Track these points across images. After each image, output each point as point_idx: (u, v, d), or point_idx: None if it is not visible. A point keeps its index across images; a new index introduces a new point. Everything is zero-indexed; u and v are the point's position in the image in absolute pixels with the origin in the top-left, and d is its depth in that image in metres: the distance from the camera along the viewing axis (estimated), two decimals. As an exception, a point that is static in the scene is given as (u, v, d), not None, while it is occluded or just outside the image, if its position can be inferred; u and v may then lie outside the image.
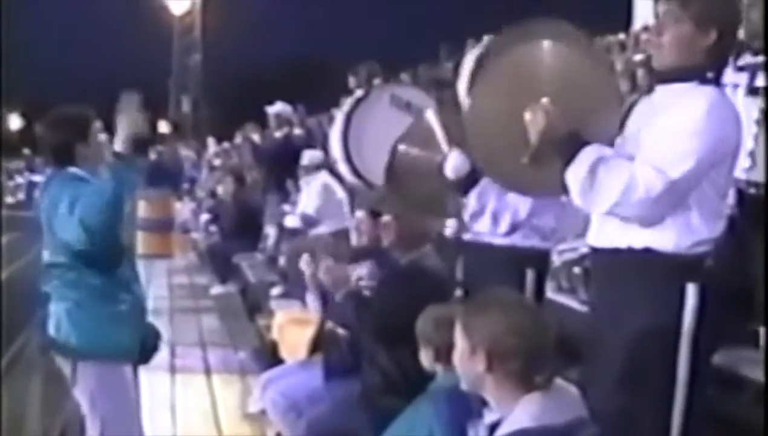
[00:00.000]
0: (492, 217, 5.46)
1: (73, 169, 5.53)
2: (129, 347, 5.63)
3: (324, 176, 12.08)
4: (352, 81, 11.83)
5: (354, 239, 7.61)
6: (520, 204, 5.43)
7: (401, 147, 5.82)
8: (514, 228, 5.48)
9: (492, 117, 4.36)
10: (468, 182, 5.37)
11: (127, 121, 5.35)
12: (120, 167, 5.25)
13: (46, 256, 5.60)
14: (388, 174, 5.89)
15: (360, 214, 7.23)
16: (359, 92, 8.35)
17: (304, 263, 6.66)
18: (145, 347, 5.80)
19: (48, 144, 5.66)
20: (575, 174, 4.07)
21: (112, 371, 5.57)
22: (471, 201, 5.41)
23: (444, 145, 5.47)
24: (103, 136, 5.65)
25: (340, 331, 6.49)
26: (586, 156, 4.05)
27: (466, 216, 5.49)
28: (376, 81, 9.48)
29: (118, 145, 5.31)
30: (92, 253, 5.36)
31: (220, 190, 18.30)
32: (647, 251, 4.08)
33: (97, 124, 5.63)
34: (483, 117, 4.41)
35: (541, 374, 3.67)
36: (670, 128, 4.00)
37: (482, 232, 5.56)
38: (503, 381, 3.69)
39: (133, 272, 5.79)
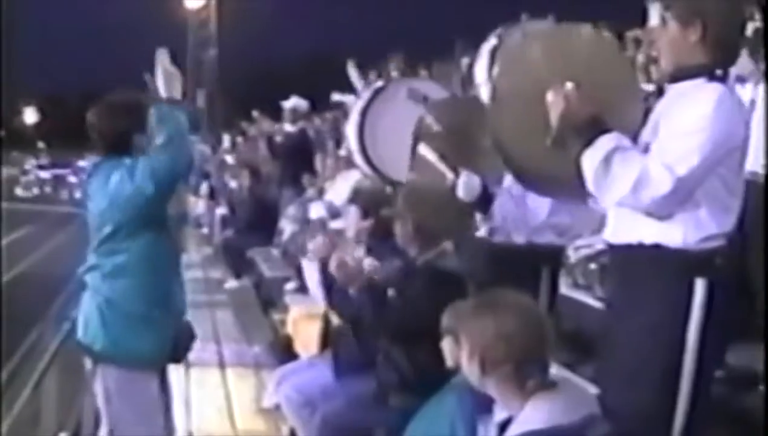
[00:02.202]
0: (513, 226, 5.44)
1: (126, 161, 5.32)
2: (154, 355, 5.50)
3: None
4: (353, 74, 11.78)
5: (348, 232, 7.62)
6: (540, 208, 5.40)
7: (410, 176, 5.81)
8: (534, 231, 5.46)
9: (517, 101, 4.36)
10: (483, 200, 5.33)
11: (166, 73, 5.29)
12: (175, 111, 5.18)
13: (92, 245, 5.46)
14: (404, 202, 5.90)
15: (352, 208, 7.23)
16: (378, 83, 8.35)
17: (313, 246, 6.61)
18: (177, 348, 5.67)
19: (102, 134, 5.48)
20: (591, 159, 4.07)
21: (134, 376, 5.46)
22: (493, 217, 5.38)
23: (447, 172, 5.43)
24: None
25: (345, 326, 6.46)
26: (604, 143, 4.05)
27: (485, 231, 5.46)
28: (372, 77, 9.43)
29: (165, 93, 5.23)
30: (140, 227, 5.28)
31: (233, 184, 18.32)
32: (657, 246, 4.10)
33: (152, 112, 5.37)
34: (508, 101, 4.40)
35: (534, 378, 3.67)
36: (678, 125, 4.03)
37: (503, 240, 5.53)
38: (502, 384, 3.71)
39: (176, 278, 5.71)
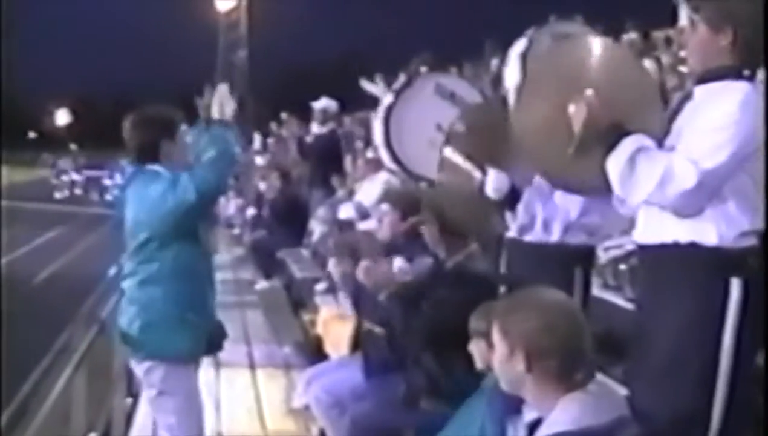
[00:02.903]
0: (543, 225, 5.41)
1: (153, 167, 5.65)
2: (192, 351, 5.80)
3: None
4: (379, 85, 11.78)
5: (379, 232, 7.58)
6: (570, 206, 5.37)
7: (439, 175, 5.83)
8: (565, 231, 5.43)
9: (539, 112, 4.42)
10: (511, 199, 5.32)
11: (223, 99, 5.66)
12: (227, 132, 5.54)
13: (127, 251, 5.77)
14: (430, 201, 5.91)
15: (384, 207, 7.21)
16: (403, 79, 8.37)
17: (332, 265, 6.66)
18: (211, 343, 5.97)
19: (134, 143, 5.77)
20: (615, 162, 4.13)
21: (177, 370, 5.73)
22: (519, 215, 5.36)
23: (475, 172, 5.42)
24: (190, 139, 5.80)
25: (377, 329, 6.46)
26: (627, 145, 4.11)
27: (515, 230, 5.43)
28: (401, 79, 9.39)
29: (218, 114, 5.62)
30: (174, 238, 5.56)
31: (263, 186, 18.32)
32: (692, 245, 4.11)
33: (185, 127, 5.79)
34: (530, 112, 4.47)
35: (580, 372, 3.64)
36: (705, 123, 4.06)
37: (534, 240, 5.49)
38: (543, 380, 3.65)
39: (209, 283, 5.92)
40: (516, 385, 3.73)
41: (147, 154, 5.69)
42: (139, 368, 5.85)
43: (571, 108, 4.25)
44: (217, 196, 5.63)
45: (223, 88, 5.71)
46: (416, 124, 7.11)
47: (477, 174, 5.37)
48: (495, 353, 3.77)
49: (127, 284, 5.77)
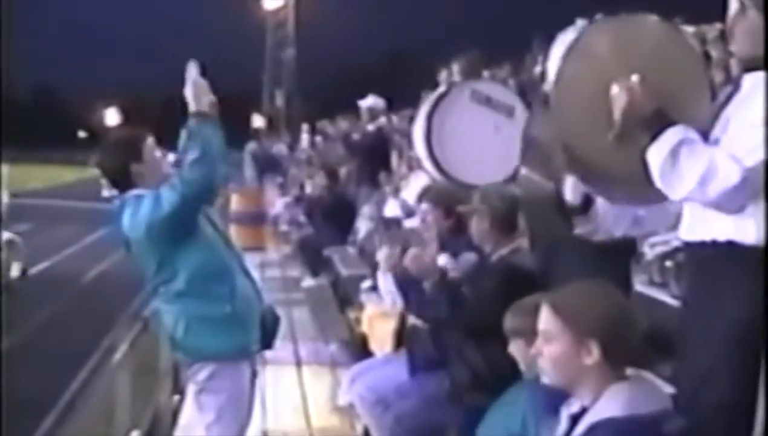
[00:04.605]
0: (614, 220, 5.38)
1: (136, 192, 5.56)
2: (242, 346, 5.72)
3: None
4: (443, 75, 11.77)
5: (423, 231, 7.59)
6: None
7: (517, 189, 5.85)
8: (633, 225, 5.41)
9: (580, 95, 4.30)
10: (585, 202, 5.27)
11: (194, 86, 5.43)
12: (204, 127, 5.36)
13: (146, 274, 5.71)
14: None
15: (425, 206, 7.22)
16: (442, 88, 8.42)
17: (382, 256, 6.65)
18: (265, 332, 5.89)
19: (106, 173, 5.74)
20: (657, 153, 4.02)
21: (224, 369, 5.67)
22: (596, 216, 5.32)
23: (548, 183, 5.41)
24: (158, 153, 5.74)
25: (421, 324, 6.44)
26: (670, 136, 4.01)
27: (586, 231, 5.40)
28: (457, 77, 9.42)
29: (193, 107, 5.39)
30: (181, 248, 5.48)
31: (309, 185, 18.38)
32: (730, 243, 4.02)
33: (150, 142, 5.70)
34: (571, 95, 4.35)
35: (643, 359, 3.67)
36: (748, 117, 3.96)
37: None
38: (605, 371, 3.61)
39: (233, 264, 5.80)
40: (573, 378, 3.68)
41: (121, 181, 5.65)
42: (189, 370, 5.82)
43: (613, 90, 4.14)
44: (204, 194, 5.49)
45: (195, 74, 5.46)
46: (457, 132, 7.18)
47: (551, 185, 5.36)
48: (551, 348, 3.69)
49: (159, 301, 5.77)
